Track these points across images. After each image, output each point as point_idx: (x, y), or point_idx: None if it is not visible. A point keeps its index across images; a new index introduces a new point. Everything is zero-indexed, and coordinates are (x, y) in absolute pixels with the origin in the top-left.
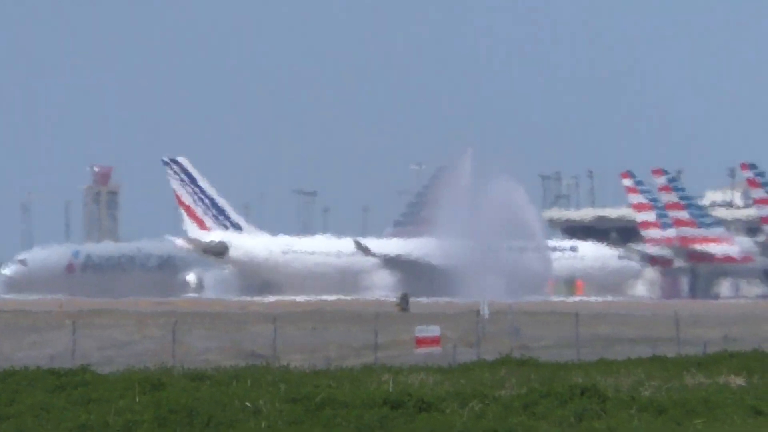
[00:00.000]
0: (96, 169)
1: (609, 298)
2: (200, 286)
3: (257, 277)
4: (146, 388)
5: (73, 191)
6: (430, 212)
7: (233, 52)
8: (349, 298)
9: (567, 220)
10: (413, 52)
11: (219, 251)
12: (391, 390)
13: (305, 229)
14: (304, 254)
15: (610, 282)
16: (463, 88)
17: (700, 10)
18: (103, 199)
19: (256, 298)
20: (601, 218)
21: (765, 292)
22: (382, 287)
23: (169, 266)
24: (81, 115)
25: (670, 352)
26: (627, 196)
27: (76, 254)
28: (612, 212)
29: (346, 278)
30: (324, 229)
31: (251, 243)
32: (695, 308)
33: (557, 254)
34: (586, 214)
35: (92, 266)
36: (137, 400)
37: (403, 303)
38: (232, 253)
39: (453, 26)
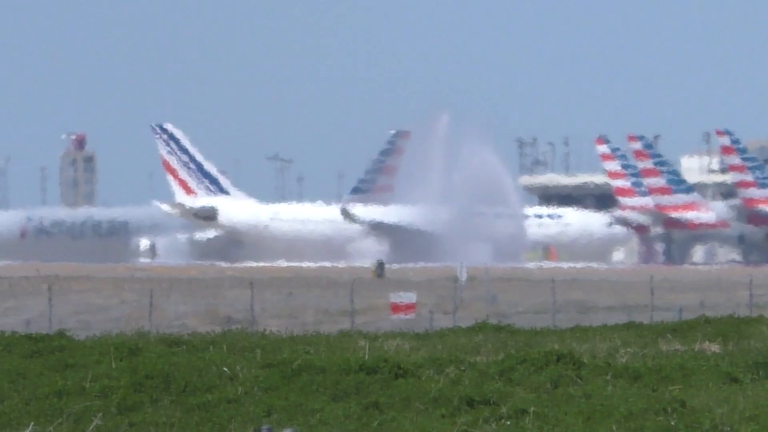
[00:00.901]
0: (72, 136)
1: (582, 264)
2: (152, 251)
3: (244, 242)
4: (123, 354)
5: (51, 158)
6: (388, 179)
7: (208, 20)
8: (329, 264)
9: (544, 186)
10: (389, 17)
11: (208, 216)
12: (367, 356)
13: (282, 196)
14: (292, 221)
15: (597, 249)
16: (441, 54)
17: None
18: (80, 165)
19: (235, 264)
20: (579, 185)
21: (740, 258)
22: (370, 254)
23: (120, 232)
24: (57, 82)
25: (646, 318)
26: (602, 162)
27: (29, 219)
28: (590, 178)
29: (333, 245)
30: (299, 196)
31: (240, 208)
32: (671, 274)
33: (544, 221)
34: (563, 180)
35: (45, 232)
36: (113, 365)
37: (379, 270)
38: (221, 218)
39: None
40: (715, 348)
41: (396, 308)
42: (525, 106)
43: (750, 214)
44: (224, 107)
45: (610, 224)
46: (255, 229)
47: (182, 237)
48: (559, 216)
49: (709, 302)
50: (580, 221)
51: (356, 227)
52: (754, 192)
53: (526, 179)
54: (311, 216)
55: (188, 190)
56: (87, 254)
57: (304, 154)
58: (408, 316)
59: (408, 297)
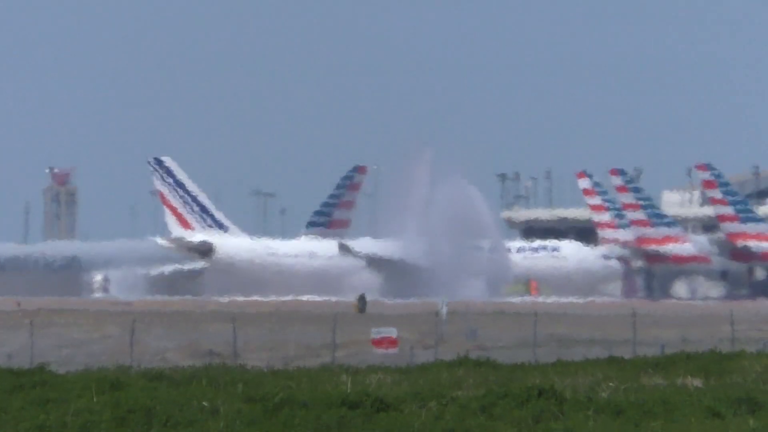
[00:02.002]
0: (55, 170)
1: (566, 299)
2: (105, 286)
3: (240, 278)
4: (104, 388)
5: (34, 192)
6: (345, 213)
7: (186, 51)
8: (318, 298)
9: (526, 221)
10: (370, 52)
11: (204, 251)
12: (349, 390)
13: (265, 230)
14: (288, 256)
15: (592, 282)
16: (422, 89)
17: (655, 7)
18: (63, 200)
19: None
20: (561, 219)
21: (722, 293)
22: (365, 288)
23: (73, 266)
24: (40, 117)
25: (628, 353)
26: (584, 197)
27: None
28: (572, 213)
29: (330, 280)
30: (282, 230)
31: (236, 244)
32: (653, 309)
33: (540, 254)
34: (545, 214)
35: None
36: (95, 399)
37: (361, 304)
38: (218, 253)
39: (410, 25)
40: (697, 383)
41: (378, 343)
42: (507, 140)
43: (732, 249)
44: (202, 141)
45: (607, 257)
46: (250, 264)
47: (138, 272)
48: (555, 249)
49: (691, 337)
50: (577, 255)
51: (353, 261)
52: (737, 226)
53: (508, 214)
54: (307, 251)
55: (185, 225)
56: (38, 289)
57: (285, 188)
58: (390, 351)
59: (389, 332)
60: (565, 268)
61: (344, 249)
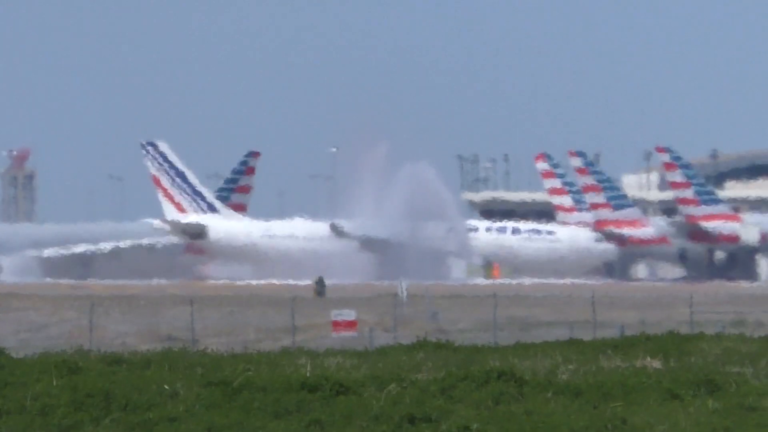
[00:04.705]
0: (14, 152)
1: (529, 281)
2: None
3: (235, 260)
4: (63, 372)
5: None
6: (242, 197)
7: (147, 32)
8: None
9: (486, 202)
10: (330, 34)
11: (197, 233)
12: (308, 374)
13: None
14: (283, 238)
15: (587, 265)
16: (380, 72)
17: None
18: (20, 182)
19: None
20: (521, 202)
21: (682, 275)
22: (360, 270)
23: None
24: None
25: (587, 335)
26: (542, 179)
27: None
28: (533, 195)
29: (323, 261)
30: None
31: (230, 226)
32: (612, 290)
33: (536, 237)
34: (504, 196)
35: None
36: (54, 383)
37: (319, 287)
38: (212, 235)
39: (369, 7)
40: (656, 364)
41: (337, 325)
42: (466, 123)
43: (691, 231)
44: (164, 123)
45: (597, 240)
46: (244, 246)
47: (31, 255)
48: (551, 232)
49: (650, 319)
50: (570, 237)
51: (346, 243)
52: (697, 209)
53: (469, 195)
54: (302, 232)
55: (178, 207)
56: None
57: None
58: (349, 334)
59: (348, 314)
60: (559, 251)
61: (336, 230)
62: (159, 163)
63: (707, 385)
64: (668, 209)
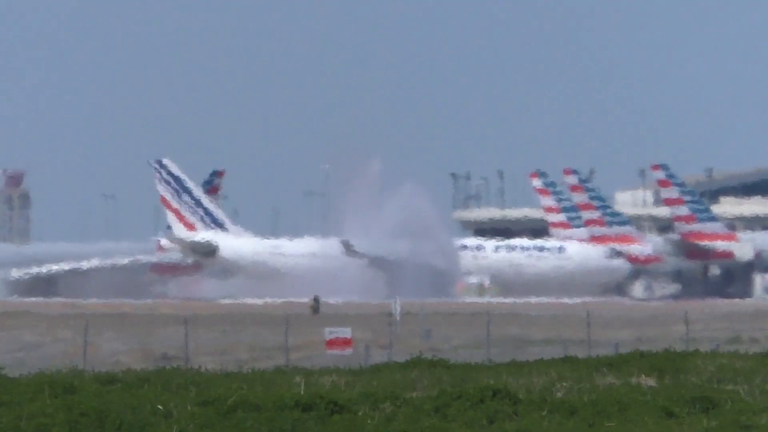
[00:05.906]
0: (9, 172)
1: (519, 299)
2: None
3: (245, 277)
4: (57, 392)
5: None
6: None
7: (140, 53)
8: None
9: (479, 221)
10: (324, 51)
11: (207, 251)
12: (302, 392)
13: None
14: (292, 256)
15: (597, 282)
16: (374, 89)
17: (606, 8)
18: (16, 202)
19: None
20: (514, 219)
21: (677, 292)
22: (370, 288)
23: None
24: None
25: (582, 353)
26: (537, 196)
27: None
28: (525, 212)
29: (332, 279)
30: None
31: (240, 244)
32: (607, 309)
33: (545, 254)
34: (498, 213)
35: None
36: (49, 403)
37: (315, 305)
38: (222, 253)
39: (361, 24)
40: (651, 382)
41: (332, 344)
42: (460, 140)
43: (687, 248)
44: (154, 141)
45: (607, 257)
46: (254, 264)
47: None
48: (561, 249)
49: (645, 337)
50: (580, 254)
51: (356, 262)
52: (692, 226)
53: (461, 214)
54: (312, 250)
55: (188, 226)
56: None
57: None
58: (344, 352)
59: (343, 332)
60: (567, 267)
61: (348, 248)
62: (167, 182)
63: (702, 403)
64: (663, 226)
